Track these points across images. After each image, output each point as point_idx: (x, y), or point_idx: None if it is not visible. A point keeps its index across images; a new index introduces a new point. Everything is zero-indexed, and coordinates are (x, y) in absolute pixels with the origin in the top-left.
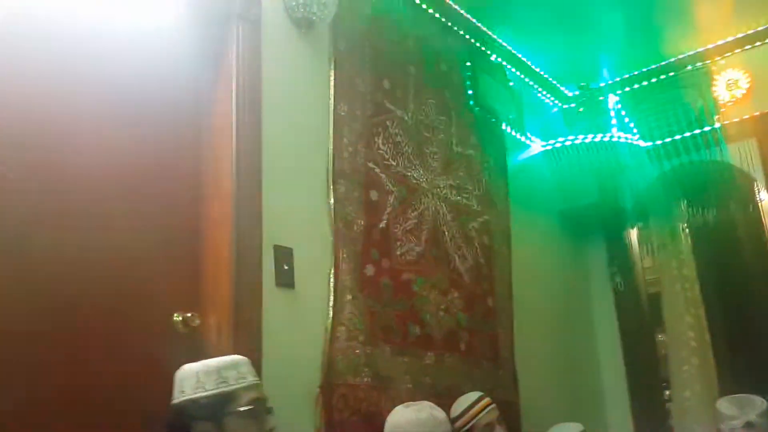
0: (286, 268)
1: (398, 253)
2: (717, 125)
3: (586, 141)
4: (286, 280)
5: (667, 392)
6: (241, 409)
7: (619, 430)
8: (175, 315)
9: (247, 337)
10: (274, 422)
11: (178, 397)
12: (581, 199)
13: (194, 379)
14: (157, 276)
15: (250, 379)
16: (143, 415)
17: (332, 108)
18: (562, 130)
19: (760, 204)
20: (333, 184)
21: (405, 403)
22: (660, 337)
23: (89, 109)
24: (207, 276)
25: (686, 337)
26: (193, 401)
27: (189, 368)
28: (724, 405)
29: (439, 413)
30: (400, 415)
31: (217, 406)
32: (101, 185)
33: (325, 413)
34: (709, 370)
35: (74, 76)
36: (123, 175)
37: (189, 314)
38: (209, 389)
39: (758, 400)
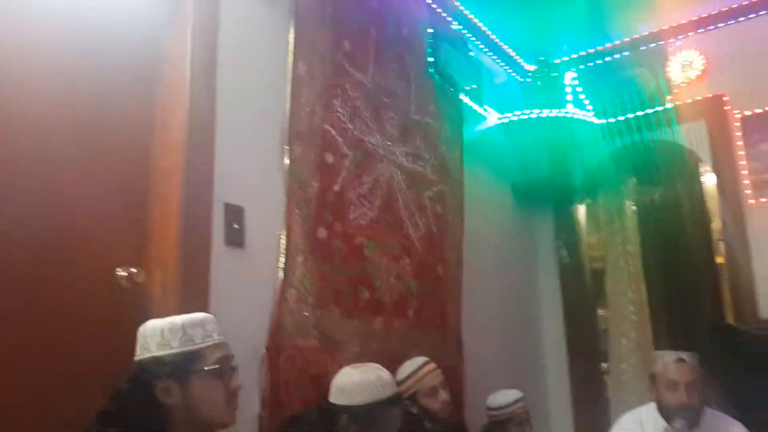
0: (236, 227)
1: (351, 217)
2: (669, 105)
3: (542, 115)
4: (236, 239)
5: (605, 365)
6: (207, 368)
7: (558, 399)
8: (119, 270)
9: (193, 295)
10: (239, 381)
11: (141, 354)
12: (534, 172)
13: (159, 336)
14: (101, 228)
15: (216, 337)
16: (82, 372)
17: (291, 67)
18: (519, 104)
19: (705, 184)
20: (289, 145)
21: (352, 365)
22: (600, 312)
23: (42, 54)
24: (153, 231)
25: (627, 311)
26: (157, 359)
27: (153, 324)
28: (659, 350)
29: (386, 375)
30: (347, 376)
31: (182, 365)
32: (50, 130)
33: (271, 374)
34: (647, 343)
35: (29, 21)
36: (73, 123)
37: (133, 270)
38: (174, 347)
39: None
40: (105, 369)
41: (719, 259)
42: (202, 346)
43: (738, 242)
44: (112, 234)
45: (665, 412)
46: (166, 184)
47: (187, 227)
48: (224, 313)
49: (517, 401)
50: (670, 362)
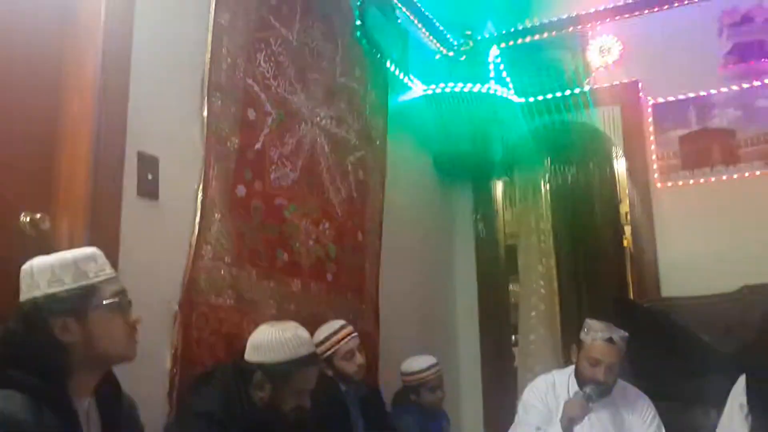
0: (150, 177)
1: (272, 177)
2: (587, 89)
3: (465, 90)
4: (149, 190)
5: (514, 337)
6: (106, 302)
7: (469, 368)
8: (22, 215)
9: (102, 245)
10: (137, 315)
11: (30, 293)
12: (454, 146)
13: (49, 272)
14: (4, 171)
15: (109, 271)
16: None
17: (212, 16)
18: (444, 77)
19: (616, 168)
20: (208, 97)
21: (269, 322)
22: (512, 287)
23: None
24: (61, 177)
25: (537, 285)
26: (50, 296)
27: (41, 262)
28: (594, 320)
29: (304, 333)
30: (264, 333)
31: (79, 301)
32: None
33: (183, 331)
34: (554, 316)
35: None
36: None
37: (38, 215)
38: (68, 283)
39: (622, 330)
40: (4, 314)
41: (626, 239)
42: (96, 280)
43: (644, 223)
44: (16, 178)
45: (581, 381)
46: (76, 128)
47: (97, 174)
48: (135, 267)
49: (430, 367)
50: (599, 340)
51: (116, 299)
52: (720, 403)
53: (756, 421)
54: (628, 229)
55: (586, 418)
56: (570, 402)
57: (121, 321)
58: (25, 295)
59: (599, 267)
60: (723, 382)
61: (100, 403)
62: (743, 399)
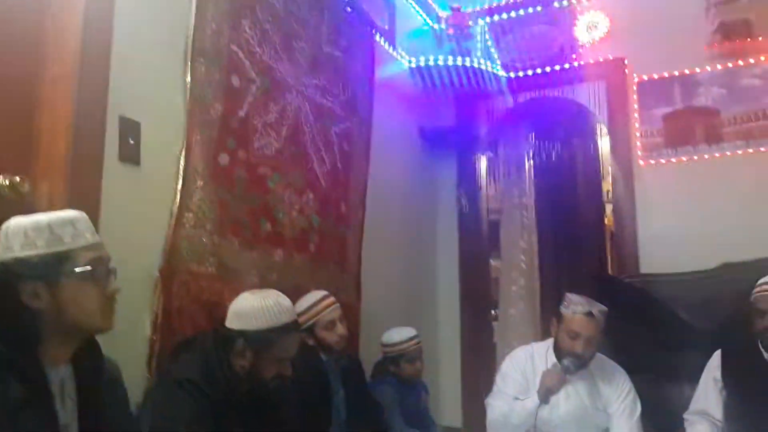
0: (131, 142)
1: (256, 146)
2: (574, 64)
3: (451, 63)
4: (130, 155)
5: (494, 311)
6: (78, 269)
7: (448, 341)
8: (1, 177)
9: (83, 210)
10: (117, 285)
11: (3, 254)
12: (440, 120)
13: (22, 236)
14: None
15: (89, 237)
16: None
17: None
18: (430, 50)
19: (600, 145)
20: (191, 62)
21: (250, 290)
22: (493, 262)
23: None
24: (41, 140)
25: (518, 260)
26: (21, 260)
27: (16, 223)
28: (574, 295)
29: (285, 301)
30: (246, 300)
31: (50, 266)
32: None
33: (164, 298)
34: (534, 291)
35: None
36: None
37: (17, 178)
38: (41, 247)
39: (601, 305)
40: None
41: (607, 216)
42: (72, 246)
43: (626, 200)
44: None
45: (559, 353)
46: (57, 91)
47: (78, 138)
48: (116, 232)
49: (410, 339)
50: (579, 314)
51: (90, 267)
52: (694, 378)
53: (730, 396)
54: (609, 207)
55: (563, 389)
56: (548, 373)
57: (96, 290)
58: None
59: (580, 243)
60: (698, 358)
61: (77, 371)
62: (718, 374)
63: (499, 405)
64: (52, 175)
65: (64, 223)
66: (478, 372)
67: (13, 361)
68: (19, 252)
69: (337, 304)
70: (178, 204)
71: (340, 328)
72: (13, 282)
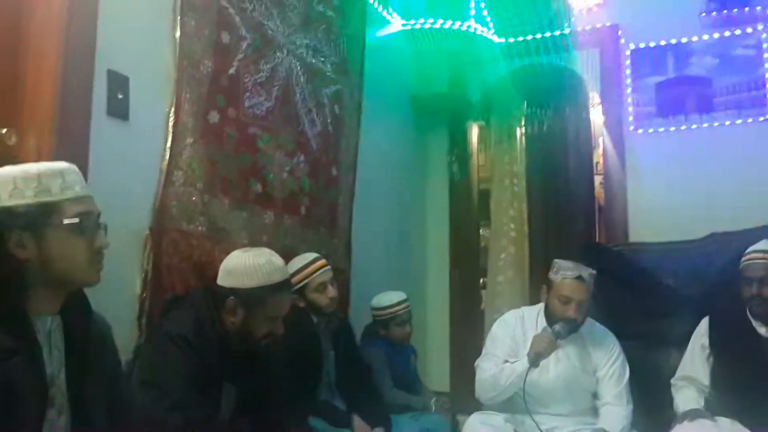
0: (120, 97)
1: (246, 105)
2: (568, 31)
3: (445, 27)
4: (119, 110)
5: (483, 280)
6: (66, 221)
7: (437, 307)
8: None
9: (70, 162)
10: (106, 239)
11: None
12: (432, 86)
13: (11, 184)
14: None
15: (78, 189)
16: None
17: None
18: (423, 12)
19: (592, 113)
20: (181, 16)
21: (243, 248)
22: (482, 231)
23: None
24: (27, 91)
25: (507, 228)
26: (9, 209)
27: (5, 172)
28: (563, 260)
29: (278, 260)
30: (238, 258)
31: (37, 217)
32: None
33: (154, 256)
34: (523, 259)
35: None
36: None
37: (4, 130)
38: (28, 197)
39: (590, 269)
40: None
41: (598, 184)
42: (60, 198)
43: (616, 169)
44: None
45: (550, 318)
46: (43, 43)
47: (65, 90)
48: (105, 189)
49: (400, 302)
50: (569, 278)
51: (78, 220)
52: (681, 344)
53: (717, 362)
54: (599, 175)
55: (553, 353)
56: (538, 337)
57: (83, 244)
58: None
59: (570, 211)
60: (685, 324)
61: (66, 322)
62: (705, 340)
63: (488, 367)
64: (39, 128)
65: (54, 174)
66: (466, 339)
67: None
68: (6, 201)
69: (329, 267)
70: (167, 161)
71: (331, 291)
72: (0, 231)
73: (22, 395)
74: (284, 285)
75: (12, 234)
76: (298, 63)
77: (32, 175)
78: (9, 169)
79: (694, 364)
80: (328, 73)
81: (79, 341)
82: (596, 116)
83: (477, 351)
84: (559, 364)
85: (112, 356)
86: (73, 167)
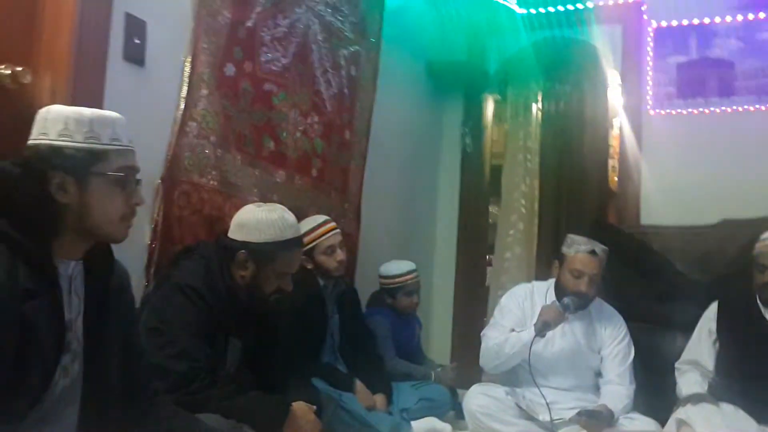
0: (137, 41)
1: (263, 59)
2: (590, 5)
3: None
4: (135, 54)
5: (489, 257)
6: (110, 173)
7: (443, 280)
8: (3, 67)
9: (85, 106)
10: (143, 197)
11: (38, 139)
12: (450, 54)
13: (62, 124)
14: None
15: (125, 142)
16: None
17: None
18: None
19: (610, 90)
20: None
21: (256, 203)
22: (491, 208)
23: None
24: (44, 31)
25: (518, 204)
26: (56, 149)
27: (58, 110)
28: (576, 235)
29: (291, 217)
30: (251, 213)
31: (83, 162)
32: None
33: (165, 207)
34: (532, 236)
35: None
36: None
37: (19, 68)
38: (77, 140)
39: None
40: None
41: (613, 163)
42: (108, 147)
43: (632, 149)
44: None
45: (561, 292)
46: None
47: (82, 31)
48: None
49: (410, 272)
50: (582, 252)
51: (122, 174)
52: (687, 328)
53: (723, 348)
54: (615, 154)
55: (560, 326)
56: (547, 307)
57: (121, 198)
58: (33, 139)
59: (582, 191)
60: (693, 309)
61: (88, 270)
62: (713, 325)
63: (494, 335)
64: (54, 68)
65: (106, 122)
66: (468, 313)
67: (26, 249)
68: (55, 139)
69: (338, 230)
70: (182, 111)
71: (340, 254)
72: (43, 169)
73: (39, 337)
74: (296, 242)
75: (56, 175)
76: (316, 20)
77: (85, 118)
78: (61, 109)
79: (700, 349)
80: (347, 33)
81: (99, 290)
82: (615, 95)
83: (479, 326)
84: (564, 339)
85: (130, 306)
86: (124, 120)
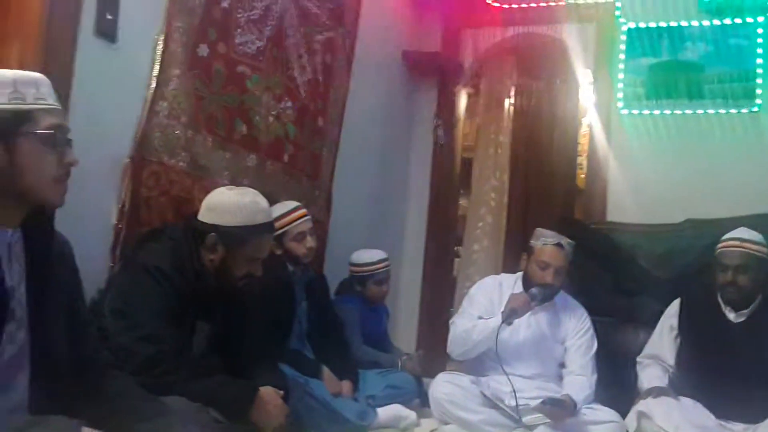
0: (109, 17)
1: (237, 41)
2: (566, 3)
3: None
4: (107, 30)
5: (458, 248)
6: (38, 132)
7: (411, 271)
8: None
9: (55, 80)
10: (74, 156)
11: None
12: (425, 45)
13: None
14: None
15: (52, 102)
16: None
17: None
18: None
19: (582, 89)
20: None
21: (227, 186)
22: (461, 201)
23: None
24: (13, 0)
25: (487, 197)
26: None
27: None
28: (544, 229)
29: (263, 201)
30: (222, 195)
31: (9, 123)
32: None
33: (133, 186)
34: (500, 229)
35: None
36: None
37: None
38: (1, 103)
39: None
40: None
41: (581, 159)
42: (33, 107)
43: (601, 148)
44: None
45: (528, 283)
46: None
47: (53, 3)
48: (87, 111)
49: (381, 261)
50: (549, 245)
51: (52, 132)
52: (649, 324)
53: (684, 343)
54: (584, 151)
55: (526, 317)
56: (515, 295)
57: (53, 158)
58: None
59: (551, 185)
60: (656, 305)
61: (27, 237)
62: (675, 321)
63: (462, 323)
64: (23, 39)
65: (29, 82)
66: (436, 303)
67: None
68: None
69: (309, 217)
70: (153, 90)
71: (310, 241)
72: None
73: None
74: (267, 227)
75: None
76: (293, 4)
77: (8, 80)
78: None
79: (661, 344)
80: (322, 18)
81: (39, 257)
82: (586, 93)
83: (445, 316)
84: (529, 329)
85: (73, 274)
86: (47, 79)
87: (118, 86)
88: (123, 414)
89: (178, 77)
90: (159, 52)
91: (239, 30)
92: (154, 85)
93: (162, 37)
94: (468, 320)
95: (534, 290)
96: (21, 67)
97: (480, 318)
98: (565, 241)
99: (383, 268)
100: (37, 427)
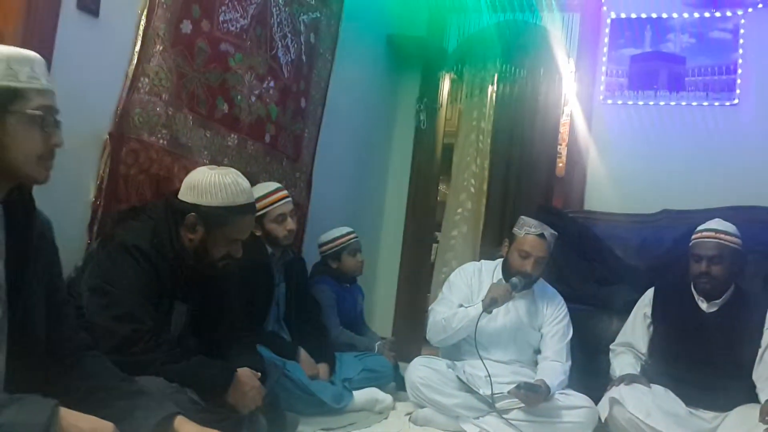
0: None
1: (221, 19)
2: None
3: None
4: (89, 4)
5: (436, 234)
6: (29, 111)
7: (389, 255)
8: None
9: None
10: (61, 137)
11: None
12: (410, 29)
13: None
14: None
15: (44, 82)
16: None
17: None
18: None
19: (564, 78)
20: None
21: (209, 165)
22: (441, 187)
23: None
24: None
25: (468, 183)
26: None
27: None
28: (527, 217)
29: (244, 182)
30: (203, 175)
31: (0, 100)
32: None
33: (111, 164)
34: (479, 215)
35: None
36: None
37: None
38: None
39: (552, 230)
40: None
41: (561, 147)
42: (26, 86)
43: (581, 137)
44: None
45: (508, 271)
46: None
47: None
48: (68, 85)
49: (348, 233)
50: (532, 234)
51: (40, 112)
52: (623, 312)
53: (656, 332)
54: (564, 139)
55: (505, 304)
56: (496, 284)
57: (40, 138)
58: None
59: (531, 172)
60: (630, 293)
61: (7, 211)
62: (648, 310)
63: (442, 310)
64: (4, 11)
65: (23, 60)
66: (413, 289)
67: None
68: None
69: (290, 198)
70: (134, 66)
71: (290, 223)
72: None
73: None
74: (248, 208)
75: None
76: None
77: (2, 56)
78: None
79: (634, 332)
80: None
81: (19, 234)
82: (568, 82)
83: (422, 301)
84: (508, 316)
85: (53, 253)
86: (42, 59)
87: (99, 61)
88: (99, 393)
89: (160, 53)
90: (141, 28)
91: (223, 8)
92: (135, 60)
93: (145, 13)
94: (448, 307)
95: (515, 279)
96: (2, 40)
97: (460, 306)
98: (548, 231)
99: (353, 238)
100: (12, 405)
